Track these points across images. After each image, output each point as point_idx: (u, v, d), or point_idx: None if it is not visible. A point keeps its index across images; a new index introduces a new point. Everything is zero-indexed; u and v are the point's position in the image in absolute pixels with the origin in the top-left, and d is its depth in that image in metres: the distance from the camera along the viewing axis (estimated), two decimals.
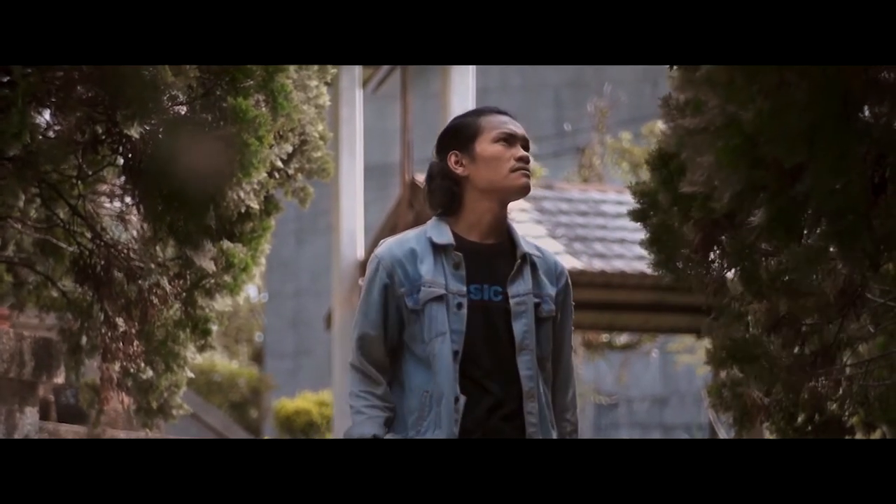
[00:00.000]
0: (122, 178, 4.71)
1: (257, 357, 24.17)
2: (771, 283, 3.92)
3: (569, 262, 10.53)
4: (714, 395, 4.64)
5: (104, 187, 5.07)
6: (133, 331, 4.84)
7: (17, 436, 4.80)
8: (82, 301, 5.17)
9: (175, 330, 5.32)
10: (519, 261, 3.57)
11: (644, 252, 4.55)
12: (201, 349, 5.48)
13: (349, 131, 12.13)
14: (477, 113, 3.62)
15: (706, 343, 4.86)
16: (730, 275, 4.17)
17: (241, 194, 4.49)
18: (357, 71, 12.14)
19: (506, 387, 3.50)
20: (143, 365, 5.19)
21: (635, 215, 4.41)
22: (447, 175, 3.58)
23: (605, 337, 16.06)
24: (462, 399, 3.45)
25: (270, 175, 4.95)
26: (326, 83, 5.23)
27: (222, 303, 5.31)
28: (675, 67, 3.73)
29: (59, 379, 5.11)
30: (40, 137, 4.35)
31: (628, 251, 10.97)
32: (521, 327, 3.52)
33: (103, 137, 4.46)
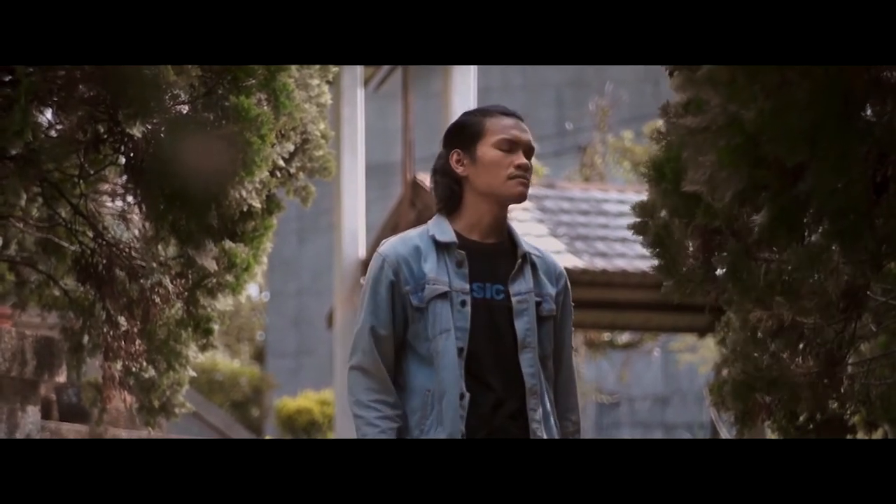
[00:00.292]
0: (124, 177, 4.71)
1: (259, 356, 24.17)
2: (770, 287, 3.92)
3: (570, 261, 10.53)
4: (716, 394, 4.64)
5: (106, 186, 5.07)
6: (135, 330, 4.84)
7: (18, 435, 4.81)
8: (84, 300, 5.17)
9: (177, 329, 5.32)
10: (520, 260, 3.59)
11: (645, 251, 4.55)
12: (203, 348, 5.49)
13: (351, 130, 12.13)
14: (484, 113, 3.61)
15: (712, 350, 4.86)
16: (731, 285, 4.17)
17: (243, 193, 4.50)
18: (359, 70, 12.14)
19: (508, 385, 3.51)
20: (145, 364, 5.19)
21: (637, 228, 4.42)
22: (448, 173, 3.60)
23: (606, 336, 16.07)
24: (467, 396, 3.46)
25: (272, 174, 4.95)
26: (328, 82, 5.23)
27: (224, 302, 5.31)
28: (674, 74, 3.73)
29: (61, 378, 5.11)
30: (42, 136, 4.35)
31: (630, 250, 10.96)
32: (523, 325, 3.53)
33: (105, 136, 4.46)
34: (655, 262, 4.34)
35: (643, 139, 15.69)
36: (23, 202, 4.83)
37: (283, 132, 4.83)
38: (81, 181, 4.76)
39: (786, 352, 4.19)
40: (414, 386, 3.51)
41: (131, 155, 4.48)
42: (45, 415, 6.09)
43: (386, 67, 13.16)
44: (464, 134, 3.59)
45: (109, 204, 5.12)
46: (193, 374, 5.56)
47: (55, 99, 4.34)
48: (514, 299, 3.55)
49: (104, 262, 4.84)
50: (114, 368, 4.94)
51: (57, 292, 5.39)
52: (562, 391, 3.65)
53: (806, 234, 3.83)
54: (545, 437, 3.51)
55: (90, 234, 4.92)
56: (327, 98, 5.27)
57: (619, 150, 16.77)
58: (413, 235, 3.61)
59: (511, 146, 3.54)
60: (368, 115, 13.13)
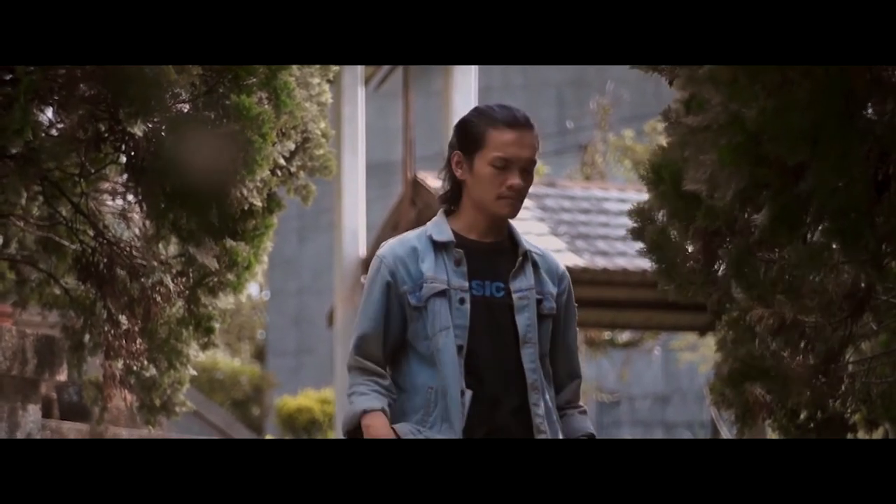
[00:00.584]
0: (125, 176, 4.71)
1: (259, 355, 24.18)
2: (772, 286, 3.92)
3: (571, 260, 10.53)
4: (716, 393, 4.64)
5: (107, 185, 5.07)
6: (136, 328, 4.84)
7: (19, 433, 4.81)
8: (85, 299, 5.17)
9: (178, 328, 5.33)
10: (521, 258, 3.59)
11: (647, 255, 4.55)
12: (204, 347, 5.49)
13: (351, 129, 12.13)
14: (490, 121, 3.54)
15: (713, 349, 4.86)
16: (733, 282, 4.17)
17: (244, 192, 4.50)
18: (359, 69, 12.14)
19: (508, 381, 3.51)
20: (145, 362, 5.19)
21: (634, 234, 4.42)
22: (450, 172, 3.61)
23: (607, 334, 16.06)
24: (468, 393, 3.46)
25: (273, 173, 4.95)
26: (329, 81, 5.23)
27: (225, 301, 5.31)
28: (674, 83, 3.73)
29: (62, 376, 5.10)
30: (43, 135, 4.35)
31: (631, 249, 10.95)
32: (524, 321, 3.54)
33: (106, 135, 4.46)
34: (654, 266, 4.34)
35: (644, 138, 15.71)
36: (23, 201, 4.83)
37: (283, 131, 4.83)
38: (82, 180, 4.76)
39: (787, 350, 4.19)
40: (416, 385, 3.52)
41: (132, 154, 4.48)
42: (46, 413, 6.09)
43: (386, 66, 13.16)
44: (466, 138, 3.57)
45: (110, 202, 5.12)
46: (194, 372, 5.56)
47: (56, 97, 4.34)
48: (515, 296, 3.55)
49: (105, 260, 4.84)
50: (115, 367, 4.94)
51: (58, 291, 5.39)
52: (568, 386, 3.66)
53: (807, 232, 3.83)
54: (548, 432, 3.52)
55: (91, 232, 4.92)
56: (328, 97, 5.27)
57: (619, 149, 16.76)
58: (411, 237, 3.62)
59: (506, 164, 3.51)
60: (369, 113, 13.13)
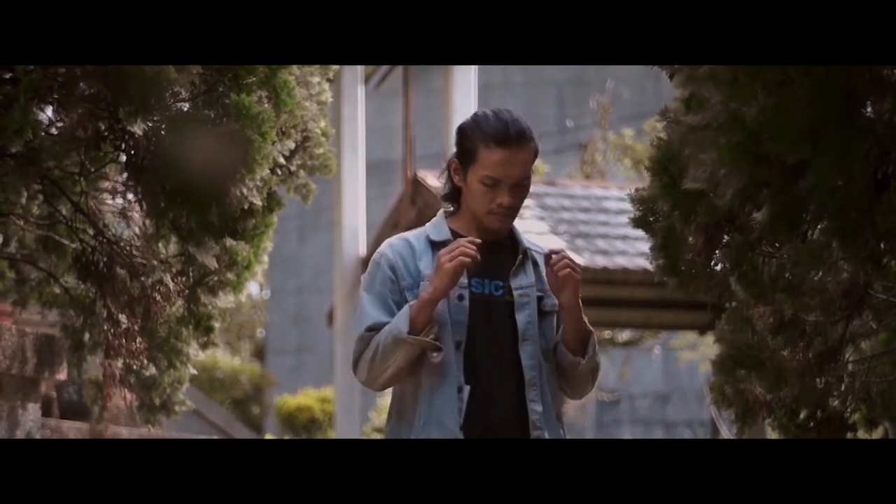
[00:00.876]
0: (125, 175, 4.70)
1: (259, 354, 24.18)
2: (773, 283, 3.92)
3: None
4: (716, 392, 4.64)
5: (107, 184, 5.06)
6: (136, 327, 4.84)
7: (19, 432, 4.81)
8: (85, 298, 5.17)
9: (178, 327, 5.33)
10: (521, 256, 3.60)
11: (646, 248, 4.55)
12: (204, 346, 5.49)
13: (351, 128, 12.14)
14: (483, 136, 3.52)
15: (713, 348, 4.87)
16: (732, 277, 4.17)
17: (244, 191, 4.50)
18: (359, 68, 12.15)
19: (506, 379, 3.52)
20: (145, 361, 5.19)
21: (636, 222, 4.41)
22: (449, 176, 3.63)
23: (607, 333, 16.07)
24: (466, 389, 3.46)
25: (273, 172, 4.95)
26: (328, 80, 5.23)
27: (225, 300, 5.31)
28: (674, 77, 3.73)
29: (62, 375, 5.10)
30: (43, 134, 4.35)
31: (630, 247, 10.97)
32: (524, 318, 3.54)
33: (106, 134, 4.46)
34: (659, 260, 4.34)
35: (644, 136, 15.70)
36: (23, 200, 4.83)
37: (283, 130, 4.83)
38: (82, 179, 4.76)
39: (787, 349, 4.19)
40: (413, 381, 3.52)
41: (132, 152, 4.48)
42: (46, 412, 6.09)
43: (386, 65, 13.17)
44: (461, 150, 3.58)
45: (110, 201, 5.12)
46: (194, 371, 5.56)
47: (55, 96, 4.34)
48: (515, 293, 3.56)
49: (105, 259, 4.84)
50: (114, 366, 4.93)
51: (57, 290, 5.39)
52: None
53: (807, 231, 3.83)
54: (546, 430, 3.52)
55: (91, 231, 4.92)
56: (328, 96, 5.27)
57: (619, 148, 16.76)
58: (409, 236, 3.64)
59: (496, 182, 3.51)
60: (369, 112, 13.14)
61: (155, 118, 4.32)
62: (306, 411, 15.29)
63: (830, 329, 4.08)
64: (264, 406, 19.91)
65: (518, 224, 3.68)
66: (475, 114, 3.62)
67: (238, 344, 24.57)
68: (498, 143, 3.50)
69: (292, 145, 5.01)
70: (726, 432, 13.40)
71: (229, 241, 5.09)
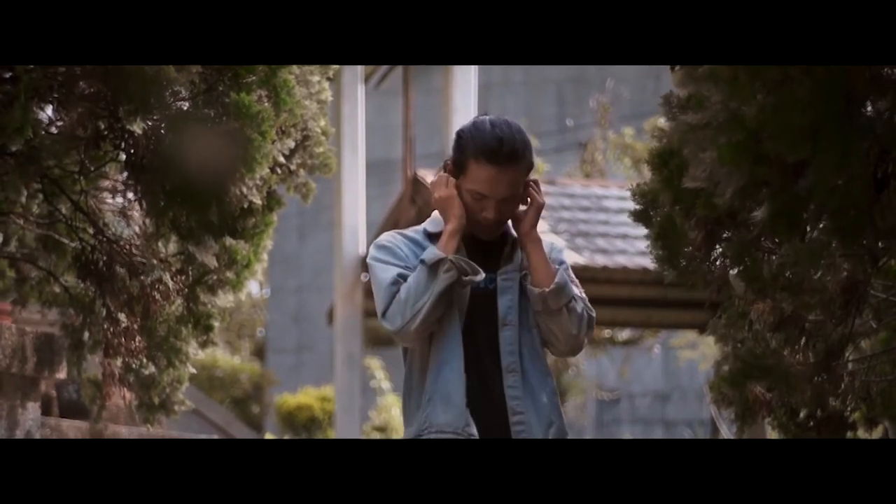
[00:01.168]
0: (125, 174, 4.70)
1: (259, 353, 24.17)
2: (773, 280, 3.92)
3: (571, 258, 10.52)
4: (716, 391, 4.63)
5: (106, 183, 5.06)
6: (135, 326, 4.84)
7: (18, 431, 4.81)
8: (84, 297, 5.17)
9: (177, 326, 5.32)
10: (508, 246, 3.62)
11: (645, 247, 4.55)
12: (203, 345, 5.48)
13: (351, 127, 12.14)
14: (474, 148, 3.54)
15: (713, 347, 4.87)
16: (732, 273, 4.17)
17: (244, 190, 4.50)
18: (359, 67, 12.14)
19: (493, 365, 3.54)
20: (145, 360, 5.19)
21: (637, 216, 4.41)
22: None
23: (607, 332, 16.08)
24: (463, 376, 3.51)
25: (273, 170, 4.95)
26: (328, 79, 5.23)
27: (224, 299, 5.31)
28: (675, 69, 3.73)
29: (61, 374, 5.10)
30: (42, 133, 4.35)
31: (630, 246, 10.97)
32: (505, 303, 3.57)
33: (105, 133, 4.46)
34: (658, 253, 4.34)
35: (644, 136, 15.69)
36: (23, 199, 4.83)
37: (283, 129, 4.83)
38: (82, 178, 4.76)
39: (787, 348, 4.19)
40: (419, 367, 3.55)
41: (132, 151, 4.48)
42: (46, 411, 6.09)
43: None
44: (455, 156, 3.60)
45: (110, 200, 5.12)
46: (193, 370, 5.56)
47: (55, 95, 4.34)
48: (499, 279, 3.59)
49: (104, 258, 4.84)
50: (114, 365, 4.93)
51: (57, 289, 5.39)
52: None
53: (807, 230, 3.83)
54: (528, 413, 3.52)
55: (90, 230, 4.92)
56: (328, 94, 5.27)
57: (619, 147, 16.77)
58: (407, 231, 3.69)
59: (483, 197, 3.54)
60: (369, 111, 13.13)
61: (155, 117, 4.32)
62: (306, 410, 15.29)
63: (830, 328, 4.08)
64: (264, 405, 19.90)
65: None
66: (475, 121, 3.61)
67: (238, 343, 24.56)
68: (488, 158, 3.51)
69: (292, 144, 5.01)
70: (726, 431, 13.41)
71: (229, 240, 5.09)
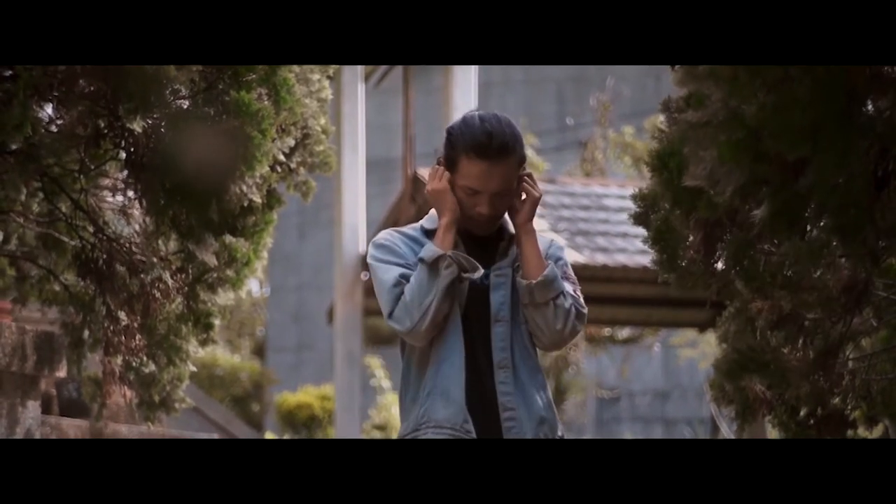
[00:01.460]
0: (125, 172, 4.70)
1: (259, 351, 24.16)
2: (773, 279, 3.92)
3: (571, 257, 10.50)
4: (716, 389, 4.63)
5: (106, 181, 5.06)
6: (135, 325, 4.84)
7: (19, 430, 4.81)
8: (84, 295, 5.17)
9: (177, 324, 5.32)
10: (504, 242, 3.62)
11: (646, 246, 4.55)
12: (203, 343, 5.48)
13: (351, 126, 12.14)
14: (464, 144, 3.54)
15: (712, 345, 4.88)
16: (732, 273, 4.17)
17: (244, 188, 4.49)
18: (359, 66, 12.13)
19: (487, 361, 3.54)
20: (145, 359, 5.19)
21: (637, 219, 4.42)
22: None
23: (607, 331, 16.07)
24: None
25: (273, 169, 4.95)
26: (329, 77, 5.23)
27: (224, 297, 5.31)
28: (675, 68, 3.73)
29: (62, 373, 5.10)
30: (42, 131, 4.34)
31: (630, 245, 10.96)
32: (497, 298, 3.57)
33: (105, 131, 4.46)
34: (656, 255, 4.34)
35: (644, 134, 15.69)
36: (23, 197, 4.83)
37: (283, 127, 4.83)
38: (82, 176, 4.75)
39: (787, 346, 4.19)
40: (419, 362, 3.55)
41: (132, 150, 4.48)
42: (46, 410, 6.09)
43: None
44: (446, 153, 3.61)
45: (110, 199, 5.12)
46: (194, 369, 5.56)
47: (55, 94, 4.33)
48: (492, 274, 3.58)
49: (105, 257, 4.84)
50: (114, 363, 4.93)
51: (57, 287, 5.39)
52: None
53: (807, 228, 3.83)
54: (520, 409, 3.52)
55: (90, 229, 4.92)
56: (328, 93, 5.27)
57: (619, 146, 16.76)
58: (404, 229, 3.70)
59: (475, 193, 3.54)
60: (369, 110, 13.13)
61: (155, 115, 4.32)
62: (306, 409, 15.28)
63: (831, 326, 4.08)
64: (264, 403, 19.89)
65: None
66: (465, 117, 3.62)
67: (238, 341, 24.55)
68: (478, 154, 3.52)
69: (292, 142, 5.01)
70: (726, 430, 13.41)
71: (229, 238, 5.09)
